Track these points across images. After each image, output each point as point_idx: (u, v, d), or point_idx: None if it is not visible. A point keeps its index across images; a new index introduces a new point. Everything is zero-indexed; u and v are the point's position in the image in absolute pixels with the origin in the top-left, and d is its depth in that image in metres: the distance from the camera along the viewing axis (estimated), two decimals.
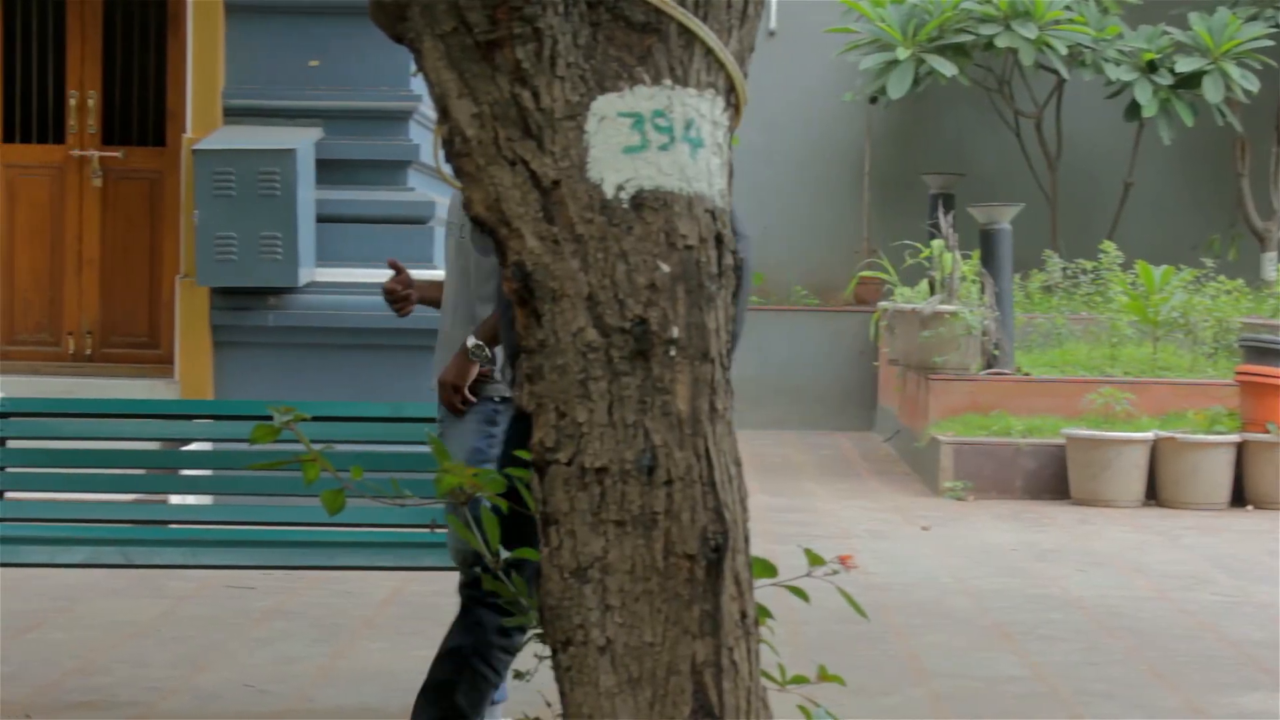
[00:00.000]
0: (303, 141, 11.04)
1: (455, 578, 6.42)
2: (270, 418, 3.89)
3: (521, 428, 4.79)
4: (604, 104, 3.22)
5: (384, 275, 11.14)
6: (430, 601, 8.30)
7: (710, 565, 3.20)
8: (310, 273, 11.13)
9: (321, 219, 11.20)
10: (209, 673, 6.99)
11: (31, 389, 10.87)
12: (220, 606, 8.14)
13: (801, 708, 3.75)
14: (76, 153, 11.84)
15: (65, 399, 7.56)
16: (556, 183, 3.21)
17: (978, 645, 8.01)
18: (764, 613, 3.41)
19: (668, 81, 3.24)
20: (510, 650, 5.23)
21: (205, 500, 7.81)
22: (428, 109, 11.46)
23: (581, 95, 3.22)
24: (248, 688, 6.79)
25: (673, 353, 3.19)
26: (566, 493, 3.22)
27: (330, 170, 11.22)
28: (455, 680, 5.25)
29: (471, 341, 5.59)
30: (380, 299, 11.08)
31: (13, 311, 11.85)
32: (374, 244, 11.25)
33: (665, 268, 3.20)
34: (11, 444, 6.67)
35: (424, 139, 11.56)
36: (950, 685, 7.26)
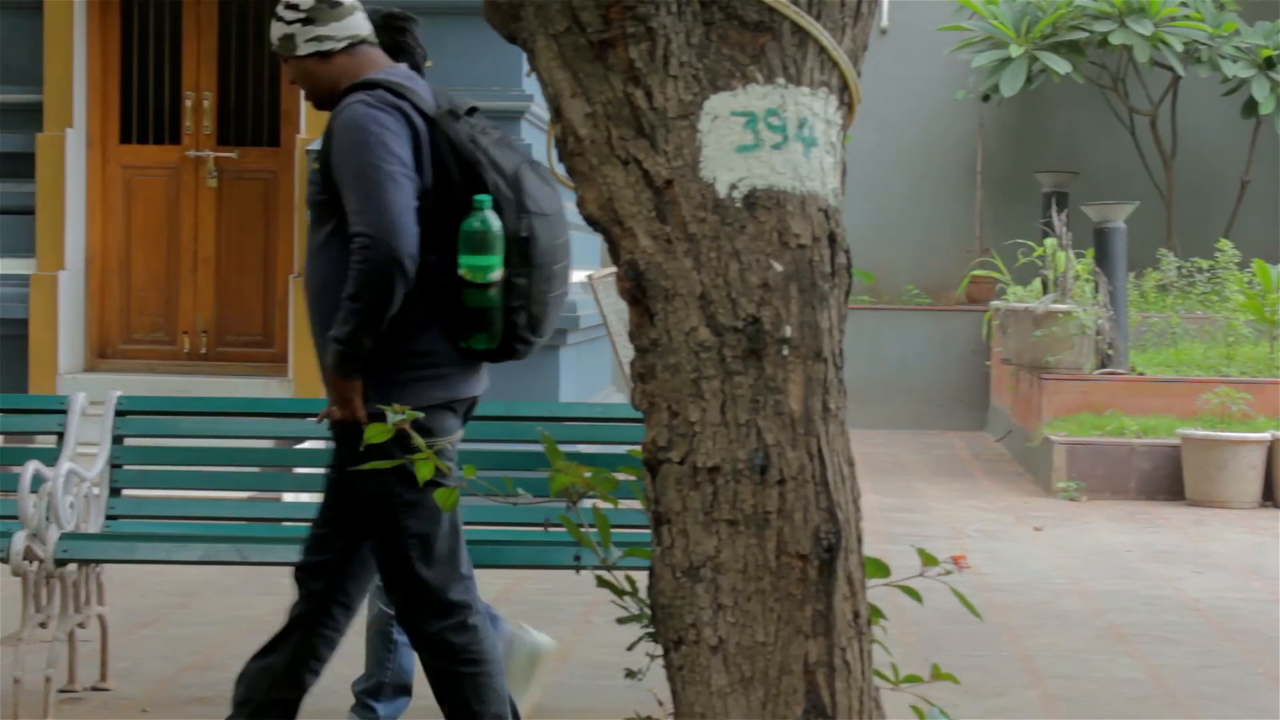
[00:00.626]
0: None
1: (568, 576, 6.44)
2: (384, 417, 3.91)
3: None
4: (717, 103, 3.21)
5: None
6: (542, 600, 8.32)
7: (823, 565, 3.19)
8: None
9: None
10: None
11: (147, 387, 10.99)
12: None
13: (914, 707, 3.73)
14: (192, 153, 11.94)
15: (180, 397, 7.62)
16: (669, 182, 3.21)
17: (1092, 647, 7.94)
18: (876, 613, 3.40)
19: (781, 80, 3.23)
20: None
21: (318, 498, 7.83)
22: (540, 109, 11.50)
23: (694, 94, 3.21)
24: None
25: (785, 352, 3.19)
26: (679, 492, 3.22)
27: None
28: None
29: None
30: None
31: (129, 311, 11.97)
32: None
33: (778, 267, 3.19)
34: (129, 442, 6.73)
35: (536, 139, 11.59)
36: (1064, 687, 7.21)
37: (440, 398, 5.02)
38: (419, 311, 4.96)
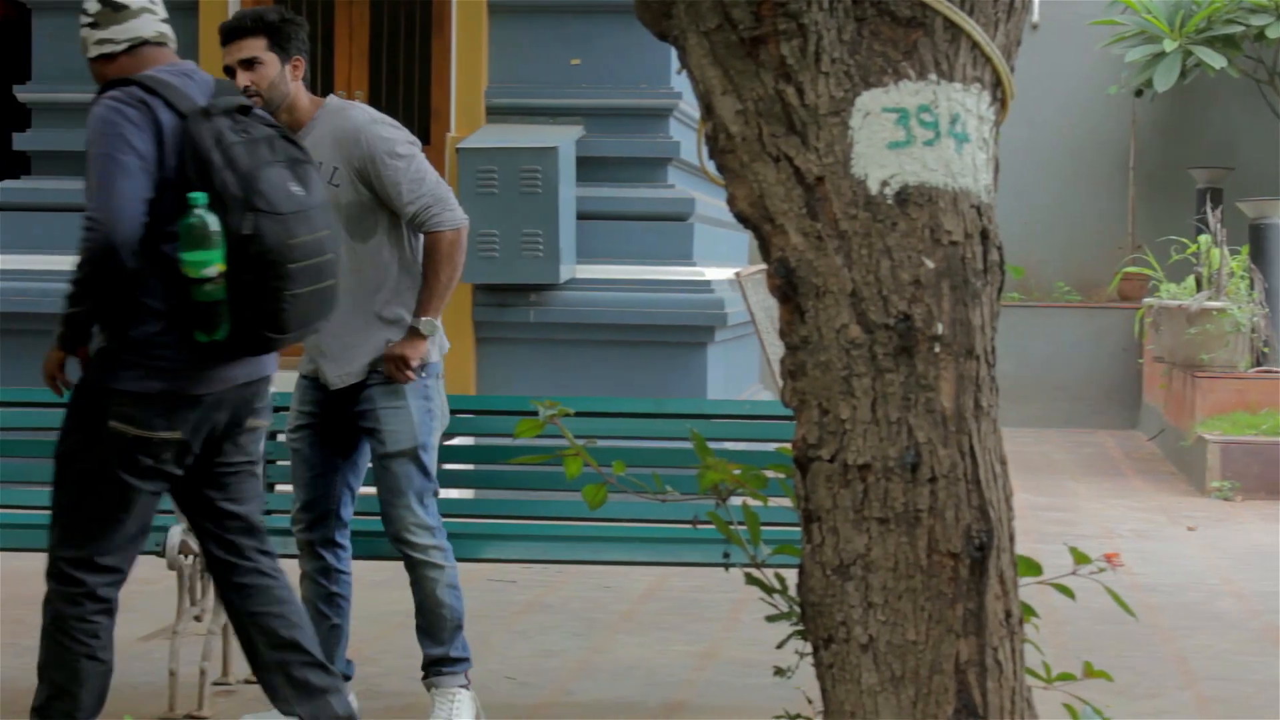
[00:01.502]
0: (564, 139, 11.14)
1: (715, 573, 6.44)
2: (534, 413, 3.93)
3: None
4: (869, 99, 3.20)
5: (645, 271, 11.25)
6: (690, 596, 8.33)
7: (974, 563, 3.17)
8: (571, 269, 11.23)
9: (582, 216, 11.29)
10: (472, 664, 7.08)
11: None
12: (481, 599, 8.23)
13: (1067, 706, 3.70)
14: None
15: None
16: (820, 179, 3.20)
17: (1247, 649, 7.84)
18: (1029, 611, 3.38)
19: (933, 76, 3.22)
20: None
21: (467, 494, 7.90)
22: (688, 106, 11.50)
23: (846, 91, 3.21)
24: (509, 680, 6.87)
25: (937, 349, 3.17)
26: (829, 489, 3.22)
27: (591, 168, 11.31)
28: None
29: (424, 320, 5.92)
30: (641, 295, 11.18)
31: None
32: (634, 241, 11.32)
33: (930, 264, 3.18)
34: (280, 438, 6.80)
35: (685, 136, 11.60)
36: (1219, 689, 7.12)
37: (154, 388, 5.11)
38: (154, 300, 5.11)
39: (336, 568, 6.12)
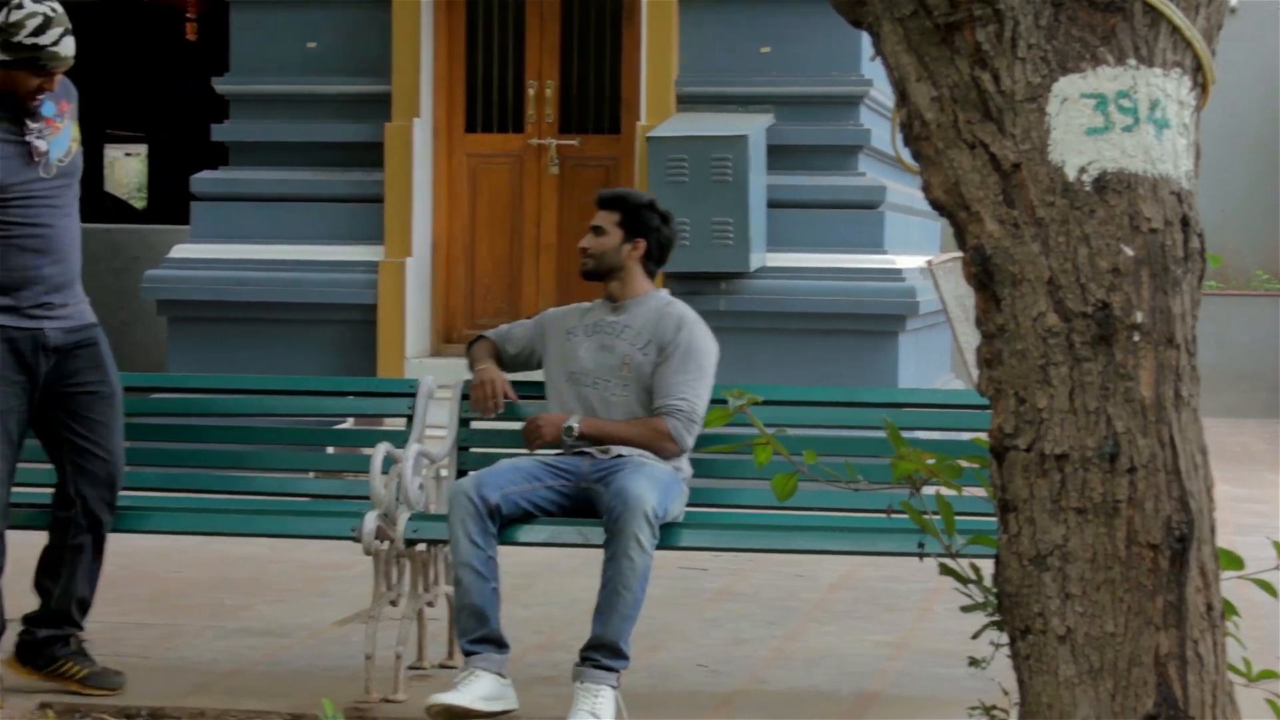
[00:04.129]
0: (754, 128, 11.13)
1: (908, 563, 6.41)
2: (723, 401, 3.93)
3: None
4: (1066, 85, 3.17)
5: (836, 259, 11.21)
6: (881, 586, 8.30)
7: (1175, 555, 3.13)
8: (761, 258, 11.22)
9: (773, 204, 11.27)
10: (664, 652, 7.10)
11: None
12: (673, 587, 8.25)
13: (1270, 702, 3.65)
14: (535, 141, 12.12)
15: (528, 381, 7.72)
16: (1017, 165, 3.18)
17: None
18: (1230, 608, 3.33)
19: (1132, 61, 3.18)
20: None
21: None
22: (879, 93, 11.45)
23: (1043, 77, 3.18)
24: (701, 667, 6.88)
25: (1136, 338, 3.13)
26: (1026, 479, 3.19)
27: (781, 156, 11.29)
28: None
29: (576, 429, 6.39)
30: (832, 284, 11.15)
31: (474, 296, 12.21)
32: (825, 229, 11.28)
33: (1129, 251, 3.14)
34: (475, 424, 6.87)
35: (875, 123, 11.54)
36: None
37: None
38: None
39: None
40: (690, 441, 6.40)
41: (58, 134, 6.17)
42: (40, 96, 6.10)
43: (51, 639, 6.30)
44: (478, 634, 6.11)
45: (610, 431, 6.40)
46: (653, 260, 6.70)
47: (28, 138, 6.10)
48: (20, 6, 5.96)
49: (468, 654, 6.10)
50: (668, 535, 6.36)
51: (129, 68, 20.66)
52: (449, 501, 6.22)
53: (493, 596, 6.15)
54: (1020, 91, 3.18)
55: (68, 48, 6.00)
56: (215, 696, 6.28)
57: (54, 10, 5.99)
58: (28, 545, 6.40)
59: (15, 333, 6.14)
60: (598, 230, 6.62)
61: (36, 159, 6.11)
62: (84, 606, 6.34)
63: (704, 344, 6.56)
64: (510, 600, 7.94)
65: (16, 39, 5.94)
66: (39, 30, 5.94)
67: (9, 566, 6.26)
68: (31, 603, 6.34)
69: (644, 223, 6.63)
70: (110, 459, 6.29)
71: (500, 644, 6.14)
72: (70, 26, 6.01)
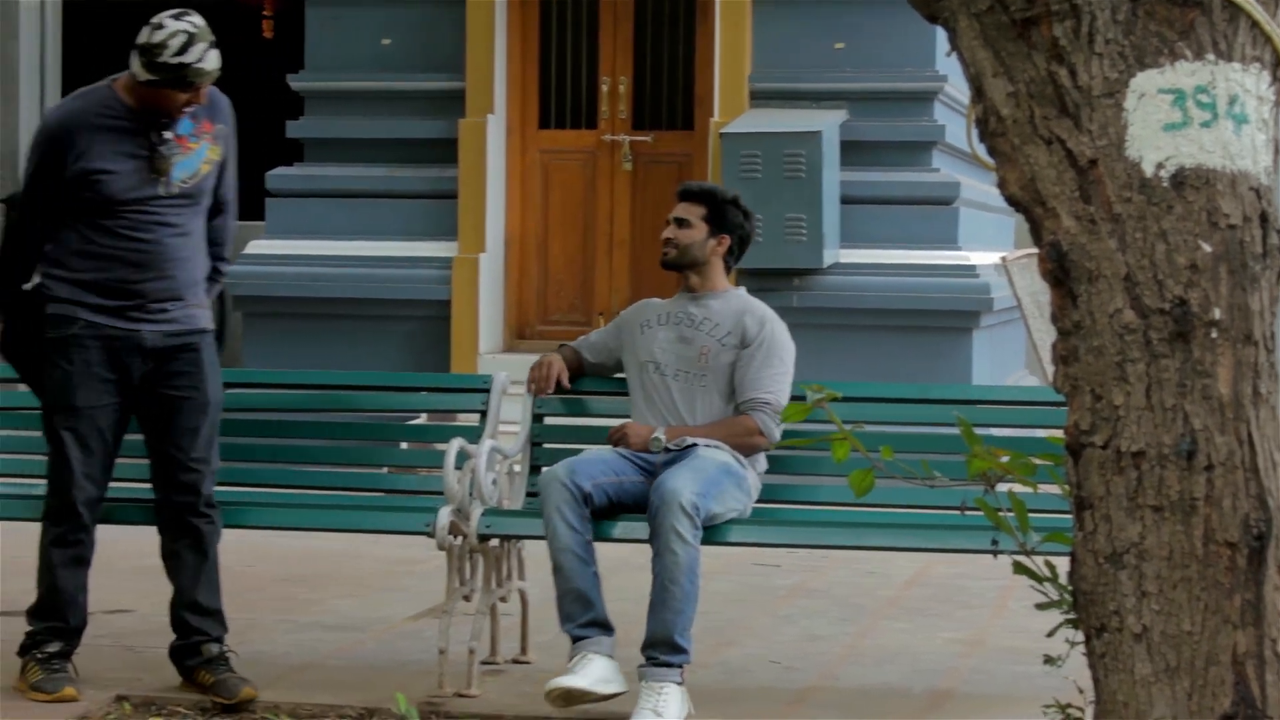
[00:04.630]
0: (828, 123, 11.11)
1: (981, 560, 6.38)
2: (800, 397, 3.92)
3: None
4: (1144, 80, 3.16)
5: (909, 256, 11.19)
6: (955, 584, 8.27)
7: (1253, 553, 3.11)
8: (834, 254, 11.20)
9: (846, 200, 11.26)
10: (736, 648, 7.10)
11: None
12: (745, 584, 8.25)
13: None
14: (608, 137, 12.14)
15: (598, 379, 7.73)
16: (1094, 161, 3.16)
17: None
18: None
19: (1211, 56, 3.16)
20: None
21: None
22: (953, 89, 11.41)
23: (1120, 72, 3.16)
24: (773, 663, 6.87)
25: (1214, 334, 3.12)
26: (1102, 477, 3.18)
27: (854, 152, 11.27)
28: None
29: (663, 439, 6.41)
30: (906, 280, 11.14)
31: (547, 292, 12.23)
32: (898, 225, 11.26)
33: (1207, 247, 3.12)
34: (548, 420, 6.89)
35: (950, 119, 11.50)
36: None
37: None
38: None
39: None
40: (778, 435, 6.41)
41: (188, 154, 6.18)
42: (186, 110, 6.13)
43: (181, 648, 6.32)
44: (585, 618, 6.12)
45: (698, 437, 6.42)
46: (733, 256, 6.71)
47: (155, 153, 6.13)
48: (162, 26, 5.95)
49: (577, 639, 6.11)
50: (742, 531, 6.36)
51: None
52: (541, 489, 6.23)
53: (594, 580, 6.16)
54: (1097, 87, 3.16)
55: (212, 62, 6.00)
56: (288, 690, 6.32)
57: (195, 26, 5.98)
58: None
59: (112, 332, 6.16)
60: (681, 222, 6.64)
61: (158, 176, 6.14)
62: (200, 611, 6.28)
63: (785, 341, 6.58)
64: None
65: (161, 59, 5.94)
66: (183, 49, 5.93)
67: (120, 561, 6.31)
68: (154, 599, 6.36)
69: (729, 219, 6.66)
70: (195, 466, 6.25)
71: (607, 627, 6.15)
72: (214, 39, 6.02)
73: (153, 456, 6.31)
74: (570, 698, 6.00)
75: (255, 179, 11.88)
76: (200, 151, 6.20)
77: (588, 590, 6.14)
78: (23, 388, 6.53)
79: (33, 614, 6.30)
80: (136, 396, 6.23)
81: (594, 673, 6.02)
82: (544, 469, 6.43)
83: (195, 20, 6.01)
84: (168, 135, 6.12)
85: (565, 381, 6.81)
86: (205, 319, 6.34)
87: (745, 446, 6.41)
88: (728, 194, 6.76)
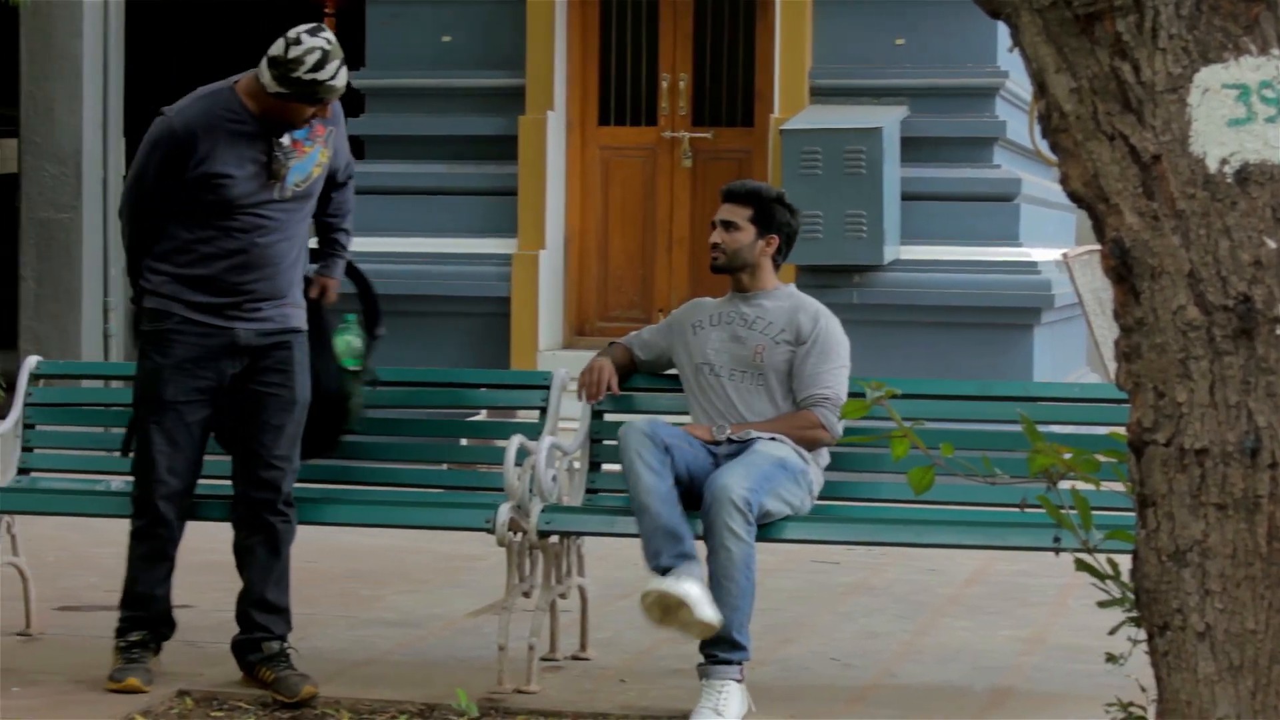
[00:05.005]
0: (888, 120, 11.09)
1: (1043, 558, 6.36)
2: (861, 394, 3.91)
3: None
4: (1208, 75, 3.13)
5: (970, 252, 11.15)
6: (1016, 581, 8.24)
7: None
8: (895, 251, 11.18)
9: (906, 197, 11.23)
10: (795, 645, 7.09)
11: None
12: (805, 580, 8.24)
13: None
14: (668, 134, 12.14)
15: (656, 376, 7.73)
16: (1157, 157, 3.15)
17: None
18: None
19: (1276, 51, 3.14)
20: None
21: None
22: (1014, 85, 11.37)
23: (1184, 67, 3.14)
24: (833, 661, 6.86)
25: (1278, 331, 3.09)
26: (1165, 474, 3.16)
27: (915, 148, 11.25)
28: None
29: (728, 432, 6.41)
30: (966, 277, 11.10)
31: (606, 289, 12.24)
32: (959, 221, 11.23)
33: (1271, 244, 3.10)
34: (607, 417, 6.89)
35: (1010, 115, 11.46)
36: None
37: None
38: None
39: None
40: (840, 429, 6.40)
41: (303, 158, 6.21)
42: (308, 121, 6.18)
43: (243, 643, 6.34)
44: (676, 550, 5.99)
45: (761, 431, 6.41)
46: (781, 254, 6.70)
47: (272, 158, 6.15)
48: (299, 42, 5.96)
49: (665, 570, 5.96)
50: (800, 528, 6.35)
51: None
52: (621, 438, 6.22)
53: (682, 518, 6.07)
54: (1161, 82, 3.15)
55: (342, 79, 6.03)
56: (348, 686, 6.34)
57: (330, 43, 6.00)
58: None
59: (208, 329, 6.19)
60: (729, 225, 6.61)
61: (274, 181, 6.17)
62: (267, 608, 6.30)
63: (840, 336, 6.58)
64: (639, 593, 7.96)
65: (295, 74, 5.96)
66: (318, 66, 5.95)
67: (182, 556, 6.35)
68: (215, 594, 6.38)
69: (776, 218, 6.63)
70: (277, 464, 6.27)
71: (700, 563, 6.04)
72: (344, 56, 6.05)
73: (235, 451, 6.34)
74: (667, 605, 5.89)
75: None
76: (313, 155, 6.24)
77: (676, 526, 6.03)
78: (88, 383, 6.58)
79: (120, 602, 6.36)
80: (226, 394, 6.26)
81: (693, 592, 5.91)
82: (621, 425, 6.39)
83: (329, 36, 6.04)
84: (285, 141, 6.15)
85: (615, 388, 6.79)
86: (299, 318, 6.37)
87: (808, 440, 6.40)
88: (772, 192, 6.74)
